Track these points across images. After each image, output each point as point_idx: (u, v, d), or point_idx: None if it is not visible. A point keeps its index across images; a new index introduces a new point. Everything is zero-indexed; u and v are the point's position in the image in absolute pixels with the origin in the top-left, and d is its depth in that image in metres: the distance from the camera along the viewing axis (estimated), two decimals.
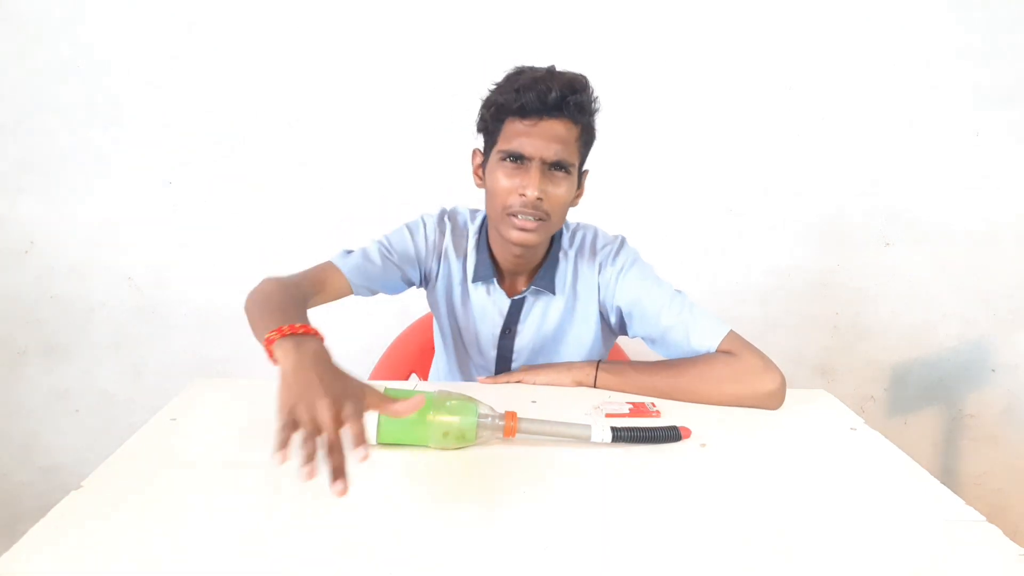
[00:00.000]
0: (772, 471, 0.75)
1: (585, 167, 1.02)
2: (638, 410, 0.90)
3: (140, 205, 1.68)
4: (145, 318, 1.75)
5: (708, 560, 0.59)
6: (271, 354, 0.70)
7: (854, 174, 1.71)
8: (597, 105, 0.97)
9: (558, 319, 1.07)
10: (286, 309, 0.80)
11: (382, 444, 0.76)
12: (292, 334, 0.70)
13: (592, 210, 1.14)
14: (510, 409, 0.79)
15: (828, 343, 1.82)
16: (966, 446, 1.86)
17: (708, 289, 1.76)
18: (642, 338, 1.07)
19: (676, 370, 0.98)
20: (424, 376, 1.37)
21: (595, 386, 1.00)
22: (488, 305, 1.08)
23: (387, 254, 1.05)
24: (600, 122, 0.98)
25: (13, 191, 1.66)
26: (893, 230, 1.74)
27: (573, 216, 1.13)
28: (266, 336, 0.71)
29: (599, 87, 0.96)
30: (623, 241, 1.09)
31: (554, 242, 1.07)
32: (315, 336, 0.72)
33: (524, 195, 0.92)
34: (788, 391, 0.96)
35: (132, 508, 0.64)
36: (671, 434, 0.80)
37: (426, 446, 0.77)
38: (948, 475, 1.88)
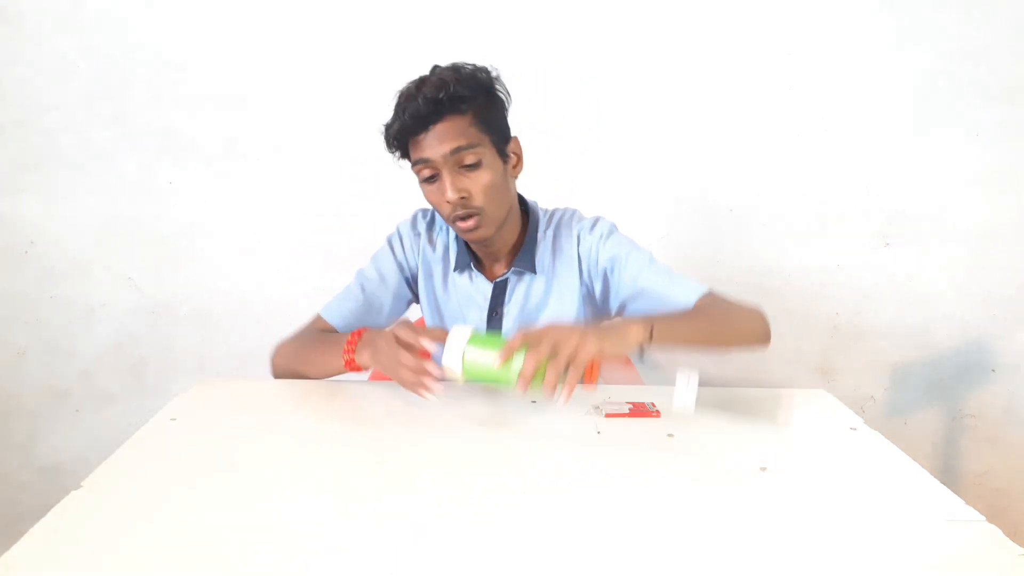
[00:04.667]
0: (771, 470, 0.75)
1: (513, 134, 1.02)
2: (638, 410, 0.90)
3: (140, 205, 1.68)
4: (145, 318, 1.75)
5: (707, 560, 0.59)
6: (353, 364, 0.95)
7: (854, 174, 1.71)
8: (484, 76, 0.96)
9: (540, 296, 1.09)
10: (327, 340, 1.02)
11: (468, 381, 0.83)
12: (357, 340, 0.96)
13: (593, 209, 1.15)
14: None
15: (828, 343, 1.82)
16: (966, 446, 1.86)
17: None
18: (623, 301, 1.06)
19: (700, 313, 0.96)
20: None
21: (649, 342, 0.84)
22: (472, 291, 1.11)
23: (374, 279, 1.11)
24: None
25: (13, 191, 1.66)
26: (893, 230, 1.74)
27: (555, 201, 1.14)
28: (343, 359, 0.96)
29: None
30: (600, 217, 1.12)
31: (530, 226, 1.09)
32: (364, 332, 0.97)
33: (449, 201, 0.95)
34: (788, 391, 0.97)
35: (132, 508, 0.64)
36: None
37: (509, 385, 0.79)
38: (948, 475, 1.88)
